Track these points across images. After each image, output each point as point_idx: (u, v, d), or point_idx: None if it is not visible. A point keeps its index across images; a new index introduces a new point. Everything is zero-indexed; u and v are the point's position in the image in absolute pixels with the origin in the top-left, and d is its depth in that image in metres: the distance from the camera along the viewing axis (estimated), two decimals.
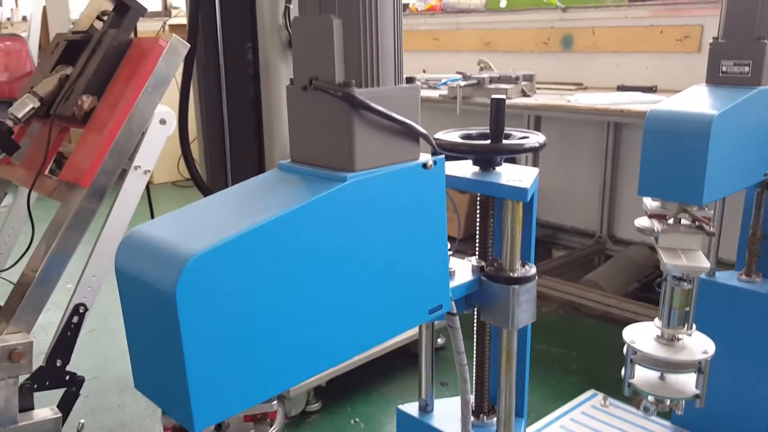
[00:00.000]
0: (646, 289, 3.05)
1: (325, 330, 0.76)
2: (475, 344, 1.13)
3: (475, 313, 1.10)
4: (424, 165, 0.84)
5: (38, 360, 1.60)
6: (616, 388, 2.10)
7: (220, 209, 0.77)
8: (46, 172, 1.80)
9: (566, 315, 3.00)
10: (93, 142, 1.69)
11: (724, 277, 1.86)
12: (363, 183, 0.78)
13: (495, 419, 1.11)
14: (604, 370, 2.43)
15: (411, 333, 2.45)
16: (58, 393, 1.64)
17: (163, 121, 1.73)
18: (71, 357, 1.65)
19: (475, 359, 1.13)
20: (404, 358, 2.48)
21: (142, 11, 1.80)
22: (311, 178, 0.80)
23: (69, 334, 1.63)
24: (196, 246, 0.66)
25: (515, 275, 1.00)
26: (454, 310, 0.94)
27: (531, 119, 3.21)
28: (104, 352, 2.66)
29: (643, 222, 1.46)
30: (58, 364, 1.61)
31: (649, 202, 1.46)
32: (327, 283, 0.75)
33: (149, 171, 1.70)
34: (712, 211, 1.42)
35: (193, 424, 0.65)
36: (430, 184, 0.85)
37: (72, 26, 1.89)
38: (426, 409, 1.19)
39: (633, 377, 1.46)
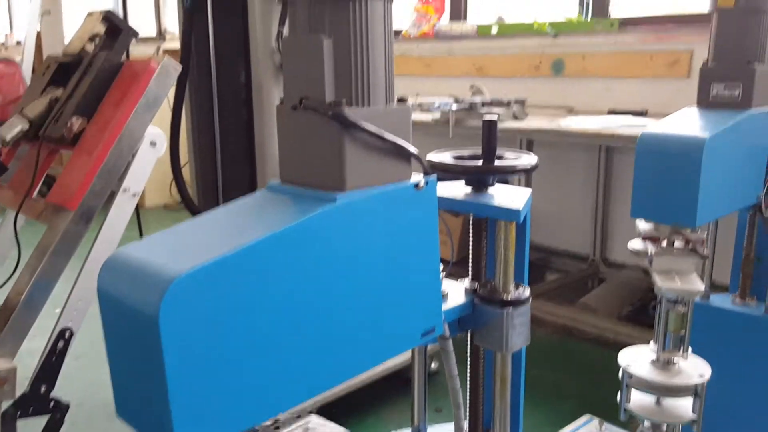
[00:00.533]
0: (640, 312, 3.04)
1: (315, 353, 0.74)
2: (468, 368, 1.11)
3: (469, 336, 1.08)
4: (416, 185, 0.83)
5: (22, 386, 1.56)
6: (611, 413, 2.07)
7: (207, 230, 0.75)
8: (35, 195, 1.78)
9: (560, 339, 2.97)
10: (82, 164, 1.67)
11: (719, 300, 1.84)
12: (353, 203, 0.76)
13: None
14: (599, 395, 2.40)
15: (405, 357, 2.42)
16: (43, 420, 1.60)
17: (153, 143, 1.71)
18: (56, 383, 1.62)
19: (468, 384, 1.11)
20: (399, 383, 2.44)
21: (134, 34, 1.80)
22: (301, 198, 0.78)
23: (54, 359, 1.60)
24: (180, 267, 0.64)
25: (509, 297, 0.98)
26: (447, 334, 0.92)
27: (523, 143, 3.22)
28: (91, 378, 2.61)
29: (636, 244, 1.45)
30: (43, 391, 1.57)
31: (643, 225, 1.45)
32: (317, 305, 0.73)
33: (138, 193, 1.68)
34: (705, 234, 1.41)
35: None
36: (421, 205, 0.84)
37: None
38: None
39: (629, 402, 1.44)
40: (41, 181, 1.79)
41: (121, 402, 0.71)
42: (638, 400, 1.45)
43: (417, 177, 0.84)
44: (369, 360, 0.80)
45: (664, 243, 1.40)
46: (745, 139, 1.47)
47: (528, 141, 3.21)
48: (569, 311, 3.02)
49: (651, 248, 1.40)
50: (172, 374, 0.62)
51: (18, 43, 6.79)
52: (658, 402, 1.45)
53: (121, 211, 1.67)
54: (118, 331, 0.69)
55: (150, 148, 1.71)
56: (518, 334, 0.99)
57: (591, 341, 2.90)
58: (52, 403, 1.58)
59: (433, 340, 0.90)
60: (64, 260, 1.61)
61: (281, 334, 0.70)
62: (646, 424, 1.47)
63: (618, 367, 1.42)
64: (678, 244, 1.40)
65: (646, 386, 1.39)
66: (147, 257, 0.68)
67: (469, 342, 1.09)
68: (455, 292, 1.01)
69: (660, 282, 1.35)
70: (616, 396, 1.44)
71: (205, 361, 0.65)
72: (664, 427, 1.45)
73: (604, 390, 2.42)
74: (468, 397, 1.11)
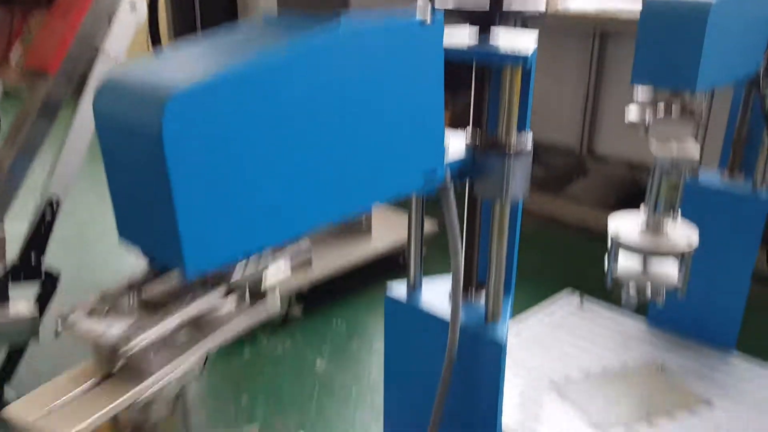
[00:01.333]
0: (625, 205, 3.07)
1: (317, 182, 0.72)
2: (465, 220, 1.10)
3: (467, 188, 1.07)
4: (422, 20, 0.79)
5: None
6: (593, 293, 2.13)
7: (206, 51, 0.71)
8: (13, 64, 1.71)
9: (545, 226, 3.02)
10: (57, 26, 1.59)
11: (708, 176, 1.86)
12: (358, 30, 0.73)
13: (483, 292, 1.09)
14: (581, 276, 2.46)
15: (396, 243, 2.45)
16: None
17: (133, 7, 1.63)
18: (46, 252, 1.61)
19: (465, 236, 1.11)
20: (389, 267, 2.48)
21: None
22: (303, 24, 0.74)
23: (43, 228, 1.58)
24: (181, 83, 0.61)
25: (511, 145, 0.97)
26: (449, 178, 0.91)
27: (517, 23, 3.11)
28: (82, 251, 2.62)
29: (633, 112, 1.43)
30: (33, 258, 1.57)
31: (641, 93, 1.43)
32: (318, 133, 0.71)
33: (119, 58, 1.62)
34: (703, 100, 1.39)
35: (185, 266, 0.62)
36: (427, 41, 0.81)
37: None
38: (414, 287, 1.17)
39: (615, 268, 1.46)
40: (16, 45, 1.70)
41: (125, 225, 0.69)
42: (625, 266, 1.48)
43: (424, 11, 0.80)
44: (371, 195, 0.79)
45: (662, 109, 1.38)
46: (749, 6, 1.43)
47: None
48: (555, 201, 3.05)
49: (649, 115, 1.38)
50: (177, 188, 0.60)
51: None
52: (644, 269, 1.48)
53: (103, 75, 1.61)
54: (119, 153, 0.66)
55: (129, 12, 1.63)
56: (518, 183, 0.98)
57: (575, 230, 2.95)
58: (43, 271, 1.58)
59: (435, 183, 0.89)
60: (46, 126, 1.56)
61: (284, 157, 0.68)
62: (631, 292, 1.50)
63: (601, 253, 1.43)
64: (676, 110, 1.38)
65: (635, 247, 1.41)
66: (147, 76, 0.65)
67: (467, 193, 1.08)
68: (456, 141, 0.99)
69: (656, 147, 1.35)
70: (598, 278, 1.45)
71: (209, 177, 0.62)
72: (649, 292, 1.48)
73: (586, 273, 2.48)
74: (464, 249, 1.12)
